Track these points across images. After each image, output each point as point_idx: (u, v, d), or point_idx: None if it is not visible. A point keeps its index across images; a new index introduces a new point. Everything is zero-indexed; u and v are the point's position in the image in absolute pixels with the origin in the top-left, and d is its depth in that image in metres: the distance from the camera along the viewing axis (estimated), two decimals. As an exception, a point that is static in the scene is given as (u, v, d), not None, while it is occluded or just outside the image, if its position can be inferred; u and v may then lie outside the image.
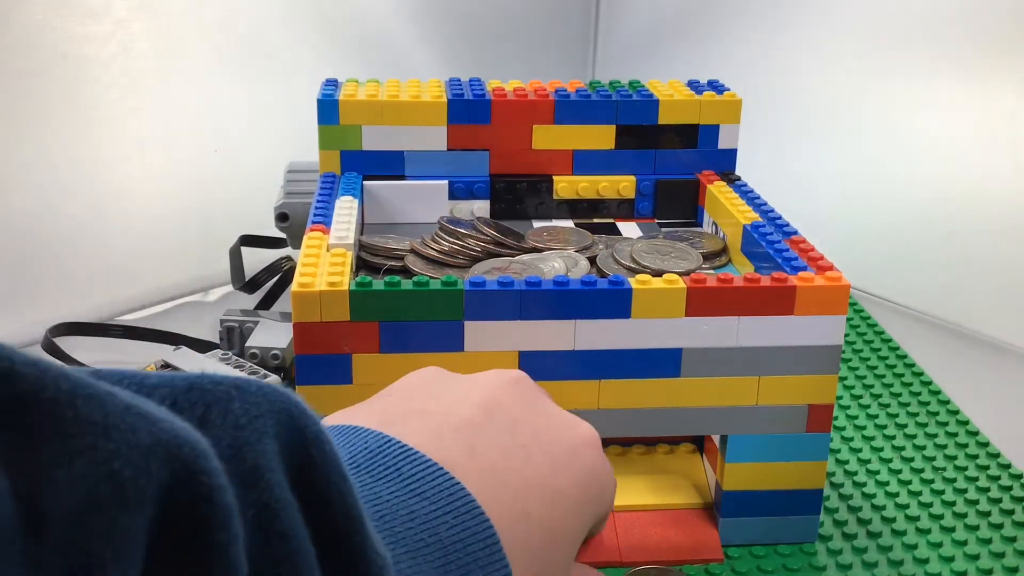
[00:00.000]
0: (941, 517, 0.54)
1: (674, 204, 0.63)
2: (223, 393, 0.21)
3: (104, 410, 0.18)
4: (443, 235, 0.56)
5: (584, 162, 0.62)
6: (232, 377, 0.22)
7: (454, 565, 0.27)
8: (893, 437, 0.62)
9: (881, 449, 0.60)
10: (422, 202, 0.61)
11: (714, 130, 0.62)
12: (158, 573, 0.19)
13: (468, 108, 0.60)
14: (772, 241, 0.52)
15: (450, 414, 0.32)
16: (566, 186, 0.62)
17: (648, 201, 0.63)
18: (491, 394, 0.33)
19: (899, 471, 0.58)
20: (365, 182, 0.60)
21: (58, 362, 0.19)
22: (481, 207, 0.62)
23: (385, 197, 0.61)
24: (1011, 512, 0.55)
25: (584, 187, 0.62)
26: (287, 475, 0.22)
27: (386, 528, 0.26)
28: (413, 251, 0.55)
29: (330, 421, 0.32)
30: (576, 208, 0.63)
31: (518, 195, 0.62)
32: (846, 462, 0.59)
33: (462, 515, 0.28)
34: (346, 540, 0.23)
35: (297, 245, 0.73)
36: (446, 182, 0.61)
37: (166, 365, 0.61)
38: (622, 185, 0.63)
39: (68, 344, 0.65)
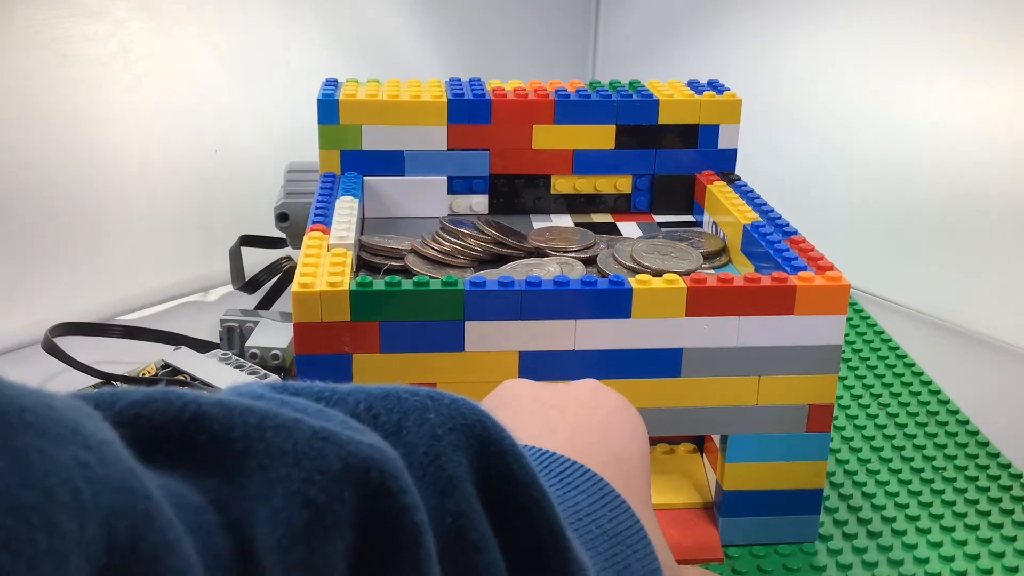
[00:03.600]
0: (941, 517, 0.54)
1: (670, 198, 0.63)
2: (419, 403, 0.22)
3: (292, 439, 0.19)
4: (444, 235, 0.56)
5: (584, 162, 0.62)
6: (427, 390, 0.23)
7: (619, 557, 0.27)
8: (893, 437, 0.62)
9: (881, 449, 0.61)
10: (421, 197, 0.61)
11: (714, 130, 0.62)
12: None
13: (468, 108, 0.60)
14: (772, 241, 0.52)
15: (578, 424, 0.34)
16: (564, 182, 0.62)
17: (645, 195, 0.63)
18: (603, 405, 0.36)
19: (899, 471, 0.58)
20: (365, 177, 0.60)
21: (244, 401, 0.19)
22: (480, 202, 0.62)
23: (385, 192, 0.61)
24: (1011, 512, 0.55)
25: (582, 182, 0.62)
26: (477, 487, 0.22)
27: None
28: (413, 251, 0.55)
29: None
30: (573, 203, 0.63)
31: (516, 190, 0.63)
32: (846, 462, 0.59)
33: (614, 508, 0.28)
34: (549, 553, 0.23)
35: (297, 245, 0.73)
36: (445, 177, 0.61)
37: (166, 365, 0.61)
38: (619, 180, 0.63)
39: (68, 344, 0.65)
